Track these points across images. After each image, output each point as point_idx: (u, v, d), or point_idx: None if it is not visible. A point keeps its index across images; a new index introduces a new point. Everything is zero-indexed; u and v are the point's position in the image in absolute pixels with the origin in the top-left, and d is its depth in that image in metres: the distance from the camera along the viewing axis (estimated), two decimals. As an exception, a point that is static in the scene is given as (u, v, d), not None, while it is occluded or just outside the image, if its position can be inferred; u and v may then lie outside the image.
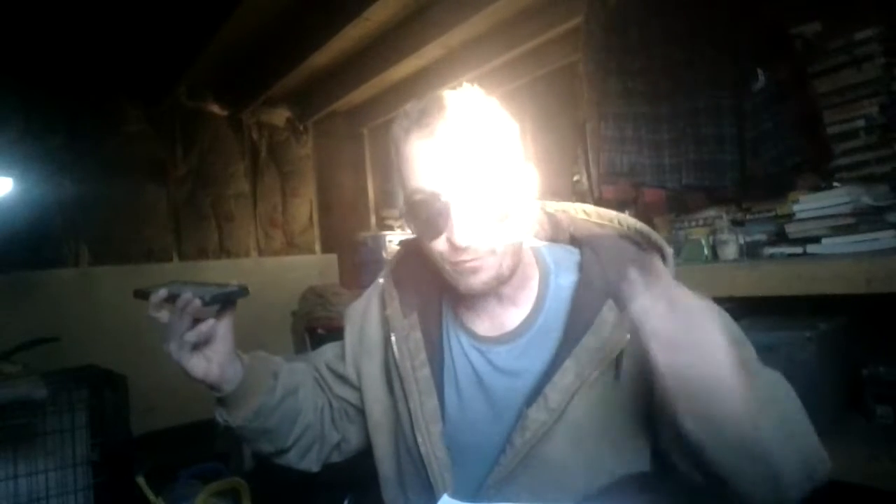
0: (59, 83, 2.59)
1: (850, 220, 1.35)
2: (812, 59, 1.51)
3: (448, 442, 0.78)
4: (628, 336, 0.69)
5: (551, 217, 0.89)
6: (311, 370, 0.96)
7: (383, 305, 0.86)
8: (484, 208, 0.69)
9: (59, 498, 1.64)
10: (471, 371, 0.80)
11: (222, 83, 3.02)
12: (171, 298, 0.75)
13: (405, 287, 0.86)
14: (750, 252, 1.57)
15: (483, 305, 0.80)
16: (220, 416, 0.84)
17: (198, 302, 0.73)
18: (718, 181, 1.65)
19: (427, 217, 0.70)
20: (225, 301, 0.77)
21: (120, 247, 2.76)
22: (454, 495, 0.73)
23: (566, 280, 0.80)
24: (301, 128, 3.43)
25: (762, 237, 1.56)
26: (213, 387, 0.80)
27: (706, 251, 1.61)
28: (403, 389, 0.80)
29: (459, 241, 0.68)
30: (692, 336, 0.55)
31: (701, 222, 1.70)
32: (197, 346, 0.76)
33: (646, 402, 0.71)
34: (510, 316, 0.79)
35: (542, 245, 0.85)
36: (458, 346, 0.82)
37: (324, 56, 2.65)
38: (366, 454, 0.92)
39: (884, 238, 1.30)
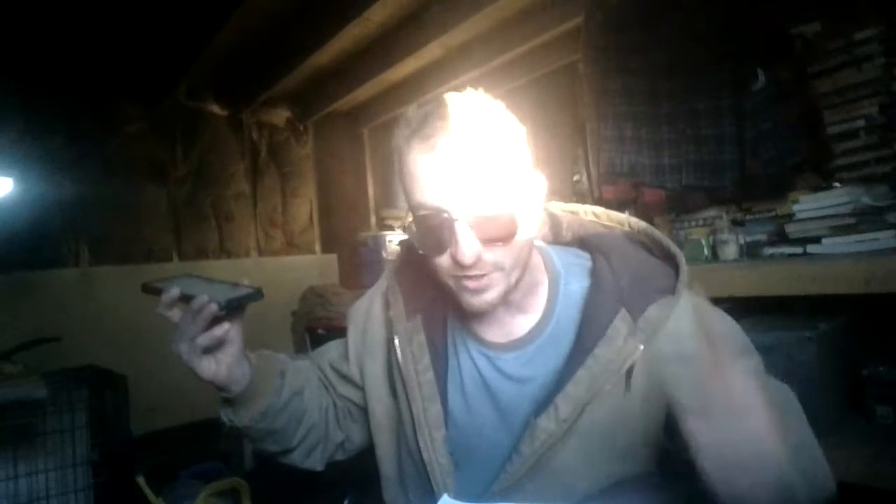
0: (60, 83, 2.59)
1: (850, 220, 1.35)
2: (812, 59, 1.50)
3: (452, 446, 0.77)
4: (641, 347, 0.68)
5: (553, 217, 0.87)
6: (314, 369, 0.96)
7: (386, 306, 0.85)
8: (489, 224, 0.66)
9: (59, 498, 1.64)
10: (477, 376, 0.79)
11: (222, 83, 3.02)
12: (184, 298, 0.73)
13: (409, 288, 0.84)
14: (750, 252, 1.57)
15: (490, 312, 0.77)
16: (226, 415, 0.83)
17: (214, 307, 0.71)
18: (718, 181, 1.65)
19: (431, 233, 0.68)
20: (239, 305, 0.75)
21: (120, 247, 2.77)
22: (457, 498, 0.72)
23: (576, 285, 0.78)
24: (301, 128, 3.43)
25: (762, 237, 1.56)
26: (220, 388, 0.79)
27: (706, 251, 1.61)
28: (406, 393, 0.79)
29: (465, 259, 0.65)
30: (733, 409, 0.54)
31: (701, 222, 1.70)
32: (208, 350, 0.74)
33: (655, 413, 0.72)
34: (518, 322, 0.78)
35: (551, 248, 0.83)
36: (464, 350, 0.81)
37: (324, 56, 2.65)
38: (366, 454, 0.92)
39: (884, 238, 1.30)
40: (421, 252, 0.71)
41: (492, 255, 0.67)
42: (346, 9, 2.32)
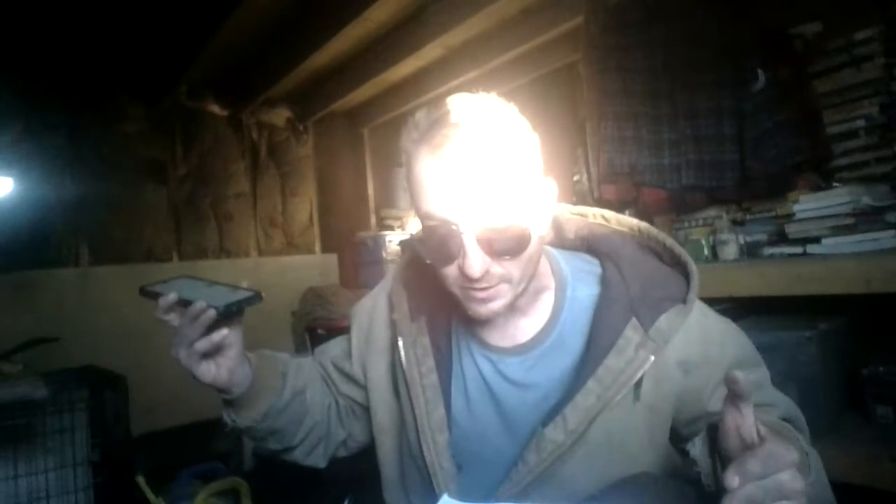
0: (60, 83, 2.59)
1: (850, 220, 1.35)
2: (812, 59, 1.51)
3: (455, 449, 0.76)
4: (652, 357, 0.68)
5: (556, 220, 0.86)
6: (317, 367, 0.96)
7: (391, 308, 0.84)
8: (499, 237, 0.64)
9: (59, 498, 1.64)
10: (481, 380, 0.78)
11: (222, 83, 3.02)
12: (182, 302, 0.72)
13: (413, 290, 0.84)
14: (750, 252, 1.57)
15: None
16: (228, 416, 0.83)
17: (213, 313, 0.70)
18: (718, 181, 1.65)
19: (438, 243, 0.66)
20: (238, 310, 0.74)
21: (120, 247, 2.77)
22: (460, 499, 0.72)
23: (583, 292, 0.77)
24: (301, 128, 3.43)
25: (762, 237, 1.56)
26: (221, 390, 0.79)
27: (706, 251, 1.61)
28: (409, 395, 0.78)
29: (473, 273, 0.64)
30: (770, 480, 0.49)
31: (701, 222, 1.70)
32: (207, 354, 0.74)
33: (661, 422, 0.72)
34: (523, 327, 0.77)
35: (558, 253, 0.82)
36: (467, 353, 0.80)
37: (324, 56, 2.64)
38: (367, 454, 0.91)
39: (884, 238, 1.30)
40: (428, 262, 0.70)
41: (500, 267, 0.66)
42: (345, 9, 2.32)
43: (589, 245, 0.83)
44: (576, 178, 2.26)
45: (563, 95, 2.59)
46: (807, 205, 1.42)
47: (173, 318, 0.73)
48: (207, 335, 0.71)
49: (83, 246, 2.67)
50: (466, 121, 0.65)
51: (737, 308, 1.24)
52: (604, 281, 0.76)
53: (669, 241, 0.76)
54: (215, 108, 3.14)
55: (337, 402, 0.94)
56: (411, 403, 0.78)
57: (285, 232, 3.38)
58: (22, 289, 2.41)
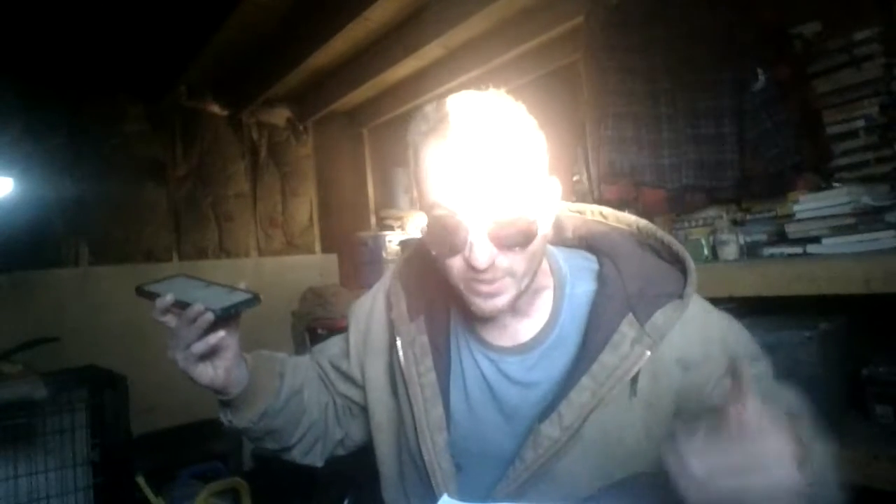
0: (60, 83, 2.59)
1: (850, 220, 1.35)
2: (812, 59, 1.51)
3: (454, 449, 0.76)
4: (648, 353, 0.67)
5: (556, 218, 0.85)
6: (314, 366, 0.96)
7: (389, 307, 0.84)
8: (505, 229, 0.64)
9: (59, 498, 1.64)
10: (481, 379, 0.78)
11: (222, 83, 3.02)
12: (179, 304, 0.72)
13: (412, 289, 0.84)
14: (750, 252, 1.57)
15: (496, 315, 0.77)
16: (225, 417, 0.83)
17: (210, 316, 0.69)
18: (718, 181, 1.65)
19: (444, 234, 0.66)
20: (236, 313, 0.74)
21: (120, 247, 2.76)
22: (459, 498, 0.72)
23: (581, 289, 0.77)
24: (301, 128, 3.43)
25: (762, 237, 1.56)
26: (218, 391, 0.79)
27: (706, 251, 1.61)
28: (408, 394, 0.78)
29: (479, 264, 0.64)
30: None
31: (701, 222, 1.70)
32: (204, 356, 0.74)
33: (660, 419, 0.71)
34: (523, 327, 0.77)
35: (557, 250, 0.82)
36: (467, 353, 0.80)
37: (324, 56, 2.64)
38: (366, 454, 0.91)
39: (884, 238, 1.30)
40: (433, 253, 0.70)
41: (506, 260, 0.66)
42: (345, 9, 2.32)
43: (587, 242, 0.83)
44: (576, 178, 2.26)
45: (563, 95, 2.59)
46: (807, 205, 1.42)
47: (170, 320, 0.73)
48: (204, 337, 0.71)
49: (83, 246, 2.67)
50: (477, 113, 0.66)
51: (737, 308, 1.24)
52: (600, 277, 0.76)
53: (667, 238, 0.76)
54: (215, 108, 3.14)
55: (334, 402, 0.94)
56: (409, 403, 0.78)
57: (285, 232, 3.38)
58: (22, 289, 2.41)
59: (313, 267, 3.39)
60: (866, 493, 1.08)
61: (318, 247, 3.49)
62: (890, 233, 1.30)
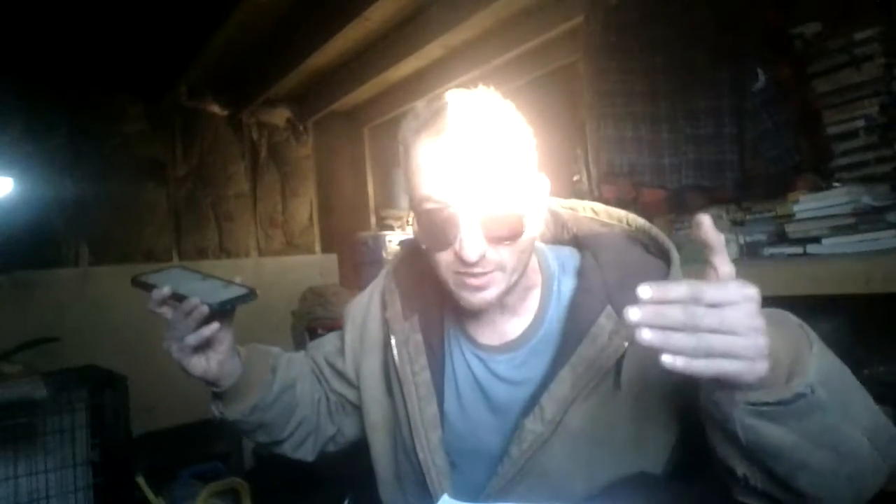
0: (60, 83, 2.59)
1: (850, 220, 1.35)
2: (812, 59, 1.50)
3: (448, 446, 0.77)
4: (626, 344, 0.67)
5: (556, 216, 0.86)
6: (308, 362, 0.96)
7: (384, 306, 0.85)
8: (496, 223, 0.65)
9: (59, 498, 1.64)
10: (471, 378, 0.79)
11: (222, 83, 3.02)
12: (175, 297, 0.73)
13: (406, 288, 0.84)
14: (750, 252, 1.57)
15: (485, 314, 0.77)
16: (217, 408, 0.84)
17: (205, 309, 0.71)
18: (718, 181, 1.65)
19: (435, 227, 0.67)
20: (232, 307, 0.75)
21: (120, 247, 2.77)
22: (454, 498, 0.72)
23: (567, 286, 0.77)
24: (301, 128, 3.43)
25: (762, 237, 1.56)
26: (210, 383, 0.80)
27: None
28: (402, 393, 0.79)
29: (469, 257, 0.64)
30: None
31: (701, 222, 1.70)
32: (198, 348, 0.75)
33: (651, 412, 0.70)
34: (512, 325, 0.77)
35: (547, 248, 0.83)
36: (458, 351, 0.81)
37: (324, 56, 2.64)
38: (365, 453, 0.92)
39: (884, 238, 1.30)
40: (424, 247, 0.70)
41: (496, 254, 0.67)
42: (345, 9, 2.32)
43: (574, 237, 0.83)
44: (576, 178, 2.26)
45: (563, 95, 2.59)
46: (807, 205, 1.42)
47: (166, 312, 0.74)
48: (198, 330, 0.72)
49: (83, 246, 2.67)
50: (467, 110, 0.67)
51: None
52: (581, 271, 0.76)
53: (654, 231, 0.77)
54: (215, 108, 3.14)
55: (327, 398, 0.95)
56: (404, 401, 0.78)
57: (285, 232, 3.38)
58: (22, 289, 2.41)
59: (313, 267, 3.39)
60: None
61: (318, 247, 3.49)
62: (890, 233, 1.30)
